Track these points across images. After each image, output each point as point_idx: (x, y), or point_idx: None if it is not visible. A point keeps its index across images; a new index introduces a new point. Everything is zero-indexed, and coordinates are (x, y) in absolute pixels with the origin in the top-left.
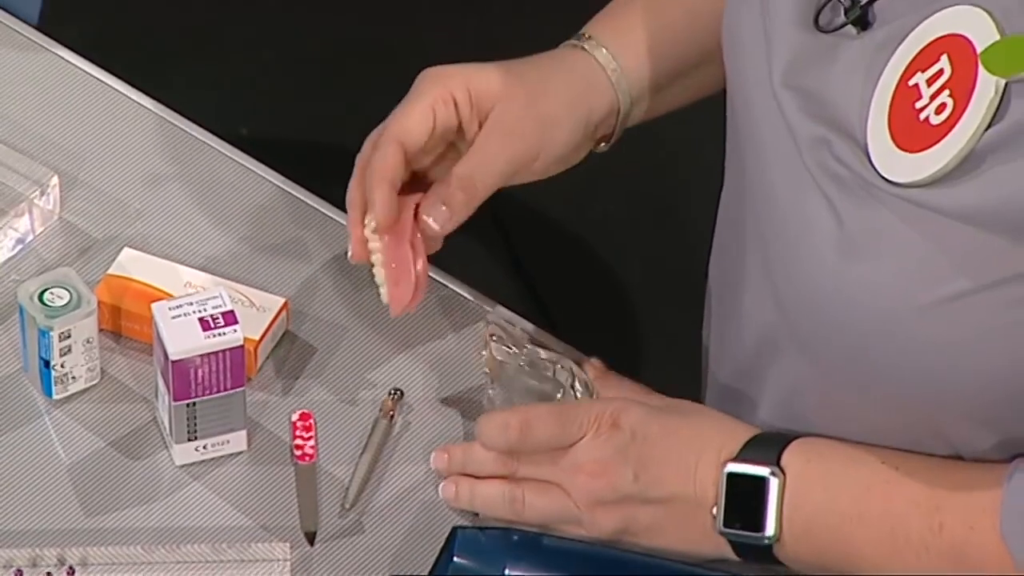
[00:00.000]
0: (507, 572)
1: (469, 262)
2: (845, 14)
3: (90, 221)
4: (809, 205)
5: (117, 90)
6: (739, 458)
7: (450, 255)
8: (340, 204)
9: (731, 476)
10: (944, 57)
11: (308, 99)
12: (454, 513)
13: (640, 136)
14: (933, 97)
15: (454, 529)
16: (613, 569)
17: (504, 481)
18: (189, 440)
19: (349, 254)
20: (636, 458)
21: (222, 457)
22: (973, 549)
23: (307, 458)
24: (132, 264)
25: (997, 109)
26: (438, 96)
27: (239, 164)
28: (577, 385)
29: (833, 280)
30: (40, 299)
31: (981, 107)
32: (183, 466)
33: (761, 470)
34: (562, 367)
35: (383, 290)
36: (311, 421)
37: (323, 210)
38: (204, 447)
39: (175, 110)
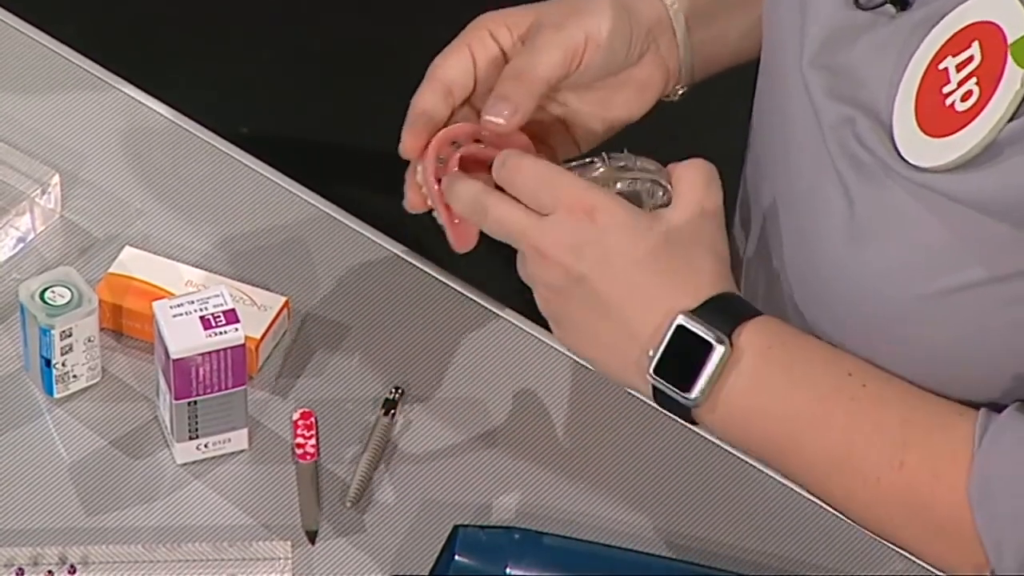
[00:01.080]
0: (508, 571)
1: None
2: None
3: (91, 220)
4: (824, 187)
5: (119, 89)
6: (697, 312)
7: (451, 253)
8: (341, 202)
9: (680, 328)
10: (976, 44)
11: (308, 98)
12: (455, 512)
13: (642, 135)
14: (961, 83)
15: (455, 528)
16: (614, 568)
17: (483, 190)
18: (190, 439)
19: (405, 202)
20: (592, 259)
21: (223, 456)
22: (938, 501)
23: (308, 457)
24: (133, 263)
25: (1022, 101)
26: (474, 35)
27: (240, 163)
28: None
29: (840, 264)
30: (41, 298)
31: (1006, 98)
32: (184, 465)
33: (708, 335)
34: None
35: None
36: (312, 420)
37: (324, 208)
38: (205, 446)
39: (176, 109)
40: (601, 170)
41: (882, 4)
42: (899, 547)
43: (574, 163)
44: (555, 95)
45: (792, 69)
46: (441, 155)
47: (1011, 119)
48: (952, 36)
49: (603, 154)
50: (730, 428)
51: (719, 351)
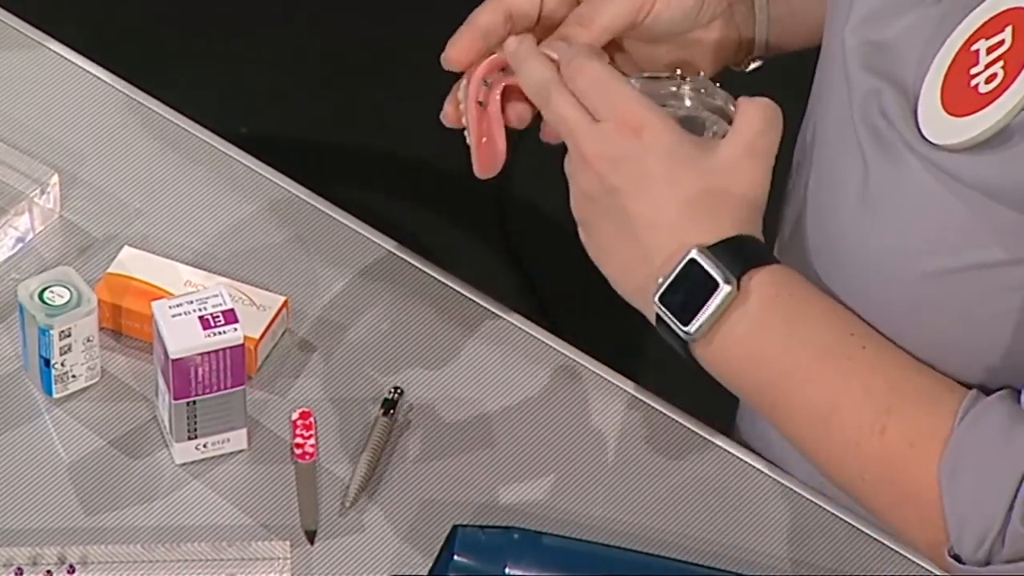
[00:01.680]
0: (508, 571)
1: (470, 260)
2: None
3: (90, 220)
4: (844, 154)
5: (117, 89)
6: (712, 248)
7: (451, 252)
8: (340, 202)
9: (691, 261)
10: (1009, 28)
11: (308, 98)
12: (455, 512)
13: None
14: (988, 66)
15: (454, 528)
16: (615, 568)
17: (553, 79)
18: (189, 439)
19: (442, 114)
20: (626, 174)
21: (222, 456)
22: (910, 472)
23: (307, 456)
24: (132, 263)
25: None
26: None
27: (239, 163)
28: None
29: (851, 232)
30: (40, 298)
31: None
32: (183, 465)
33: (719, 278)
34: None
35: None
36: (311, 419)
37: (323, 208)
38: (204, 446)
39: (175, 109)
40: (672, 88)
41: None
42: (865, 509)
43: (648, 75)
44: (621, 43)
45: (835, 36)
46: (488, 78)
47: None
48: (989, 19)
49: (679, 73)
50: (723, 368)
51: (724, 291)
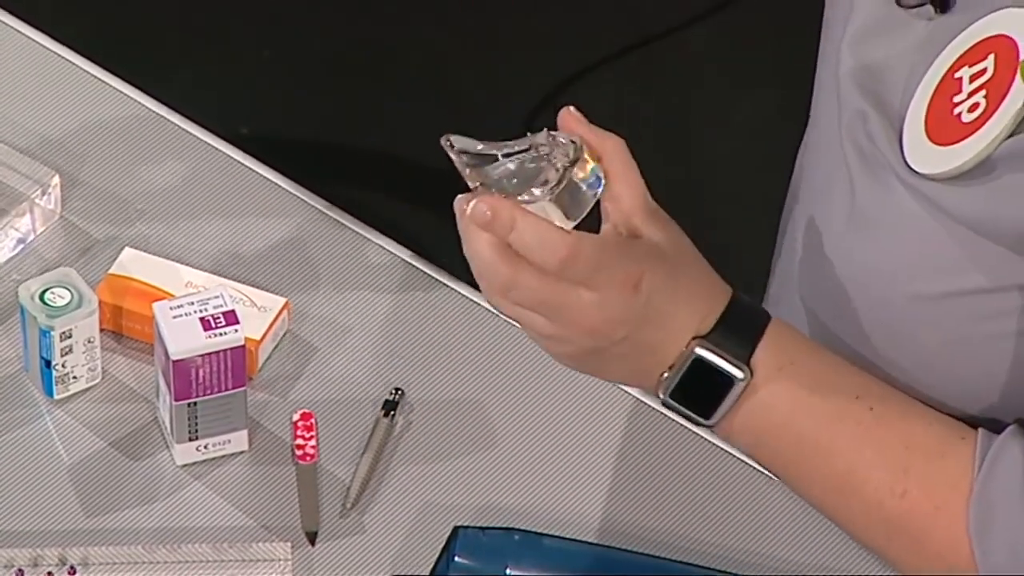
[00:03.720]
0: (508, 572)
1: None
2: None
3: (91, 221)
4: (832, 172)
5: (118, 90)
6: (711, 339)
7: (452, 254)
8: (341, 203)
9: (698, 359)
10: (992, 56)
11: (308, 98)
12: (456, 513)
13: (646, 145)
14: (971, 94)
15: (455, 529)
16: (615, 569)
17: (504, 257)
18: (190, 440)
19: None
20: (637, 320)
21: (223, 457)
22: (938, 531)
23: (308, 458)
24: (133, 264)
25: (1023, 120)
26: None
27: (240, 164)
28: (560, 155)
29: (837, 252)
30: (41, 299)
31: (1007, 114)
32: (184, 466)
33: (731, 368)
34: (541, 142)
35: None
36: (312, 421)
37: (324, 209)
38: (205, 447)
39: (176, 109)
40: (534, 156)
41: (922, 4)
42: (895, 569)
43: (504, 152)
44: None
45: (832, 52)
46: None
47: (1011, 136)
48: (973, 46)
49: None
50: (737, 443)
51: (740, 382)
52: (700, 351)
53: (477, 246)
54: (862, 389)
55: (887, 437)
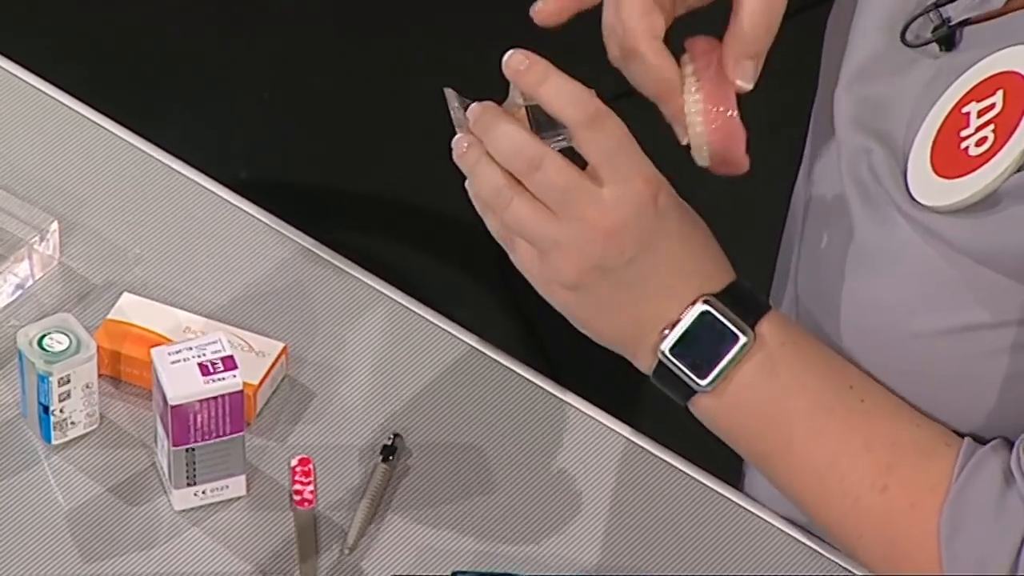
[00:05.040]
0: None
1: (469, 305)
2: (933, 31)
3: (90, 266)
4: (832, 210)
5: (117, 135)
6: (721, 297)
7: (451, 298)
8: (339, 247)
9: (704, 314)
10: (1000, 92)
11: (308, 140)
12: (454, 558)
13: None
14: (979, 129)
15: (454, 574)
16: None
17: (505, 177)
18: (188, 485)
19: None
20: (645, 242)
21: (221, 502)
22: (911, 530)
23: (306, 503)
24: (131, 309)
25: None
26: None
27: (238, 208)
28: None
29: (839, 289)
30: (39, 344)
31: (1015, 149)
32: (182, 511)
33: (737, 330)
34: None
35: (703, 150)
36: (310, 466)
37: (322, 254)
38: (203, 492)
39: (174, 153)
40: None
41: (928, 43)
42: (859, 562)
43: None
44: None
45: (827, 89)
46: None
47: (1019, 170)
48: (981, 82)
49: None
50: (725, 419)
51: (742, 341)
52: (707, 307)
53: (508, 127)
54: (856, 381)
55: (875, 431)
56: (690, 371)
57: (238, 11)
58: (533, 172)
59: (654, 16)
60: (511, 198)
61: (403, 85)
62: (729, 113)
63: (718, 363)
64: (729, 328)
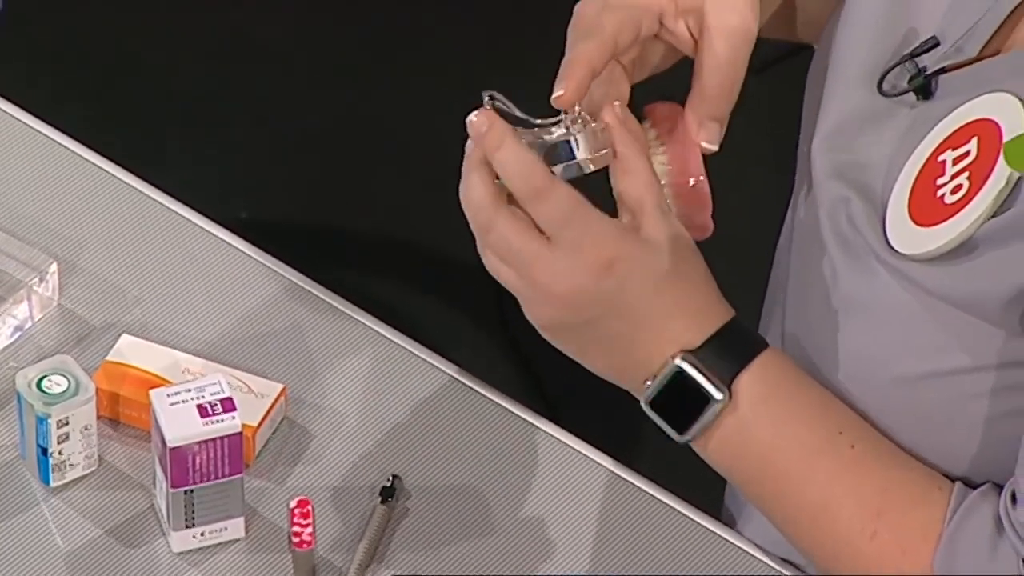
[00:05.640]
0: None
1: (468, 346)
2: (909, 80)
3: (89, 308)
4: (815, 259)
5: (116, 176)
6: (698, 355)
7: (449, 339)
8: (339, 288)
9: (679, 371)
10: (975, 140)
11: (308, 180)
12: None
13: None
14: (954, 176)
15: None
16: None
17: (489, 197)
18: (187, 527)
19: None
20: (606, 305)
21: (220, 544)
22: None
23: (305, 545)
24: (130, 351)
25: (1005, 200)
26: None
27: (237, 250)
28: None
29: (823, 336)
30: (38, 386)
31: (989, 196)
32: (181, 553)
33: (711, 388)
34: (566, 119)
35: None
36: (309, 508)
37: (321, 295)
38: (202, 534)
39: (174, 194)
40: (560, 132)
41: (904, 92)
42: None
43: (537, 123)
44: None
45: (805, 139)
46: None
47: (993, 216)
48: (957, 130)
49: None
50: (714, 463)
51: (716, 403)
52: (682, 364)
53: (469, 183)
54: (846, 426)
55: (865, 477)
56: (670, 425)
57: (236, 52)
58: (486, 234)
59: (622, 85)
60: (487, 231)
61: (401, 125)
62: (698, 178)
63: (694, 421)
64: (703, 388)
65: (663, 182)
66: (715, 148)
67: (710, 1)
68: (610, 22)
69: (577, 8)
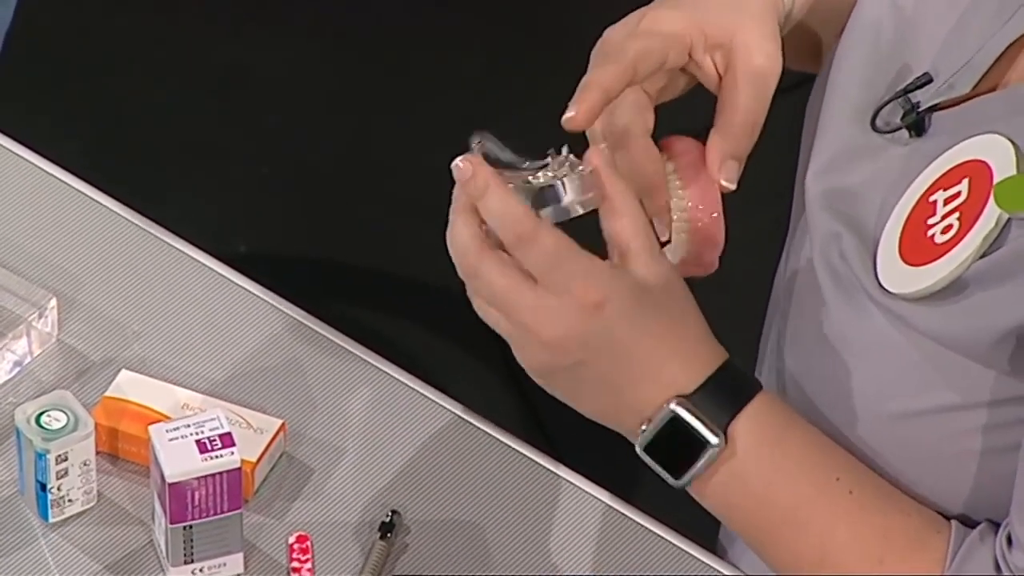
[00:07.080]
0: None
1: (468, 381)
2: (903, 117)
3: (88, 343)
4: (806, 293)
5: (115, 211)
6: (693, 399)
7: (449, 374)
8: (337, 322)
9: (674, 416)
10: (966, 181)
11: (307, 215)
12: None
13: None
14: (945, 216)
15: None
16: None
17: (474, 242)
18: (186, 563)
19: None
20: (595, 347)
21: None
22: None
23: None
24: (129, 386)
25: (994, 241)
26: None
27: (236, 285)
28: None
29: (815, 368)
30: (37, 422)
31: (978, 236)
32: None
33: (707, 434)
34: (553, 162)
35: (682, 248)
36: (308, 543)
37: (321, 330)
38: (201, 570)
39: (173, 229)
40: (548, 176)
41: (897, 129)
42: None
43: (526, 172)
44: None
45: (800, 174)
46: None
47: (982, 257)
48: (948, 170)
49: (551, 153)
50: (711, 507)
51: (712, 448)
52: (678, 409)
53: (455, 228)
54: (843, 469)
55: (864, 524)
56: (664, 470)
57: (236, 86)
58: (473, 279)
59: (647, 115)
60: (474, 271)
61: (402, 160)
62: (714, 215)
63: (689, 467)
64: (699, 433)
65: (676, 217)
66: (733, 187)
67: (739, 39)
68: (633, 49)
69: (606, 32)
